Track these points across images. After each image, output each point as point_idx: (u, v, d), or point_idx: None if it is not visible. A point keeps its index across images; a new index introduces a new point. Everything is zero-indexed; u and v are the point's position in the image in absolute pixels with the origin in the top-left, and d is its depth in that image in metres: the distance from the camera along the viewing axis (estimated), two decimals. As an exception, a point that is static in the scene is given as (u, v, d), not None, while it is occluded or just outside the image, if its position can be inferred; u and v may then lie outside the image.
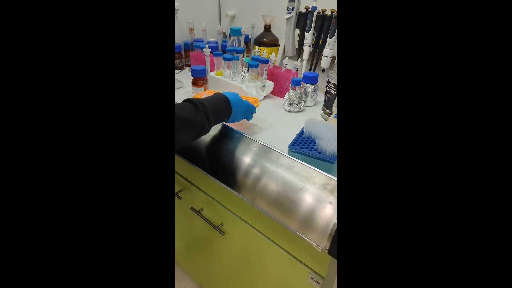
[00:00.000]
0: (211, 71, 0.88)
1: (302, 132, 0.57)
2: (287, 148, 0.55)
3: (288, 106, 0.76)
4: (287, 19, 0.88)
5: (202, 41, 1.06)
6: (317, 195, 0.46)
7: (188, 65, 1.07)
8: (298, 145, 0.55)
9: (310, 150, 0.53)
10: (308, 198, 0.47)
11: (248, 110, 0.62)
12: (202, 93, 0.82)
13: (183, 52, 1.06)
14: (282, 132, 0.67)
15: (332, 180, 0.46)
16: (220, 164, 0.58)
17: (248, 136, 0.58)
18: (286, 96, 0.77)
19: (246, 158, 0.55)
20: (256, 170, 0.53)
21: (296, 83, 0.73)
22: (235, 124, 0.69)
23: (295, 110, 0.76)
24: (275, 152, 0.54)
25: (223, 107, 0.53)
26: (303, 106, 0.77)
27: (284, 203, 0.48)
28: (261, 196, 0.50)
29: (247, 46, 1.05)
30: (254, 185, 0.52)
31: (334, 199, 0.45)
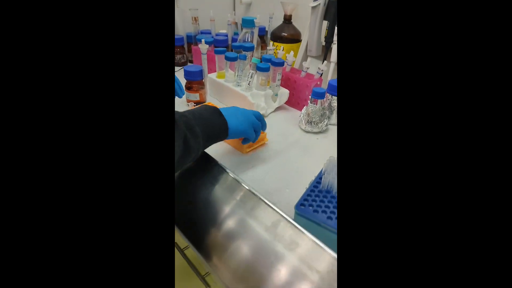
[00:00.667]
0: (211, 73, 0.71)
1: (319, 177, 0.38)
2: (293, 197, 0.37)
3: (306, 124, 0.57)
4: (313, 8, 0.68)
5: (210, 33, 0.89)
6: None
7: (192, 62, 0.90)
8: (310, 206, 0.35)
9: (329, 218, 0.34)
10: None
11: (250, 128, 0.44)
12: (195, 103, 0.65)
13: (186, 46, 0.89)
14: (294, 162, 0.48)
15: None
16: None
17: (237, 179, 0.40)
18: (303, 110, 0.58)
19: (226, 223, 0.37)
20: (236, 245, 0.34)
21: (318, 95, 0.54)
22: (233, 141, 0.51)
23: (315, 130, 0.57)
24: (272, 211, 0.36)
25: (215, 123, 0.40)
26: (326, 125, 0.57)
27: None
28: None
29: (262, 40, 0.87)
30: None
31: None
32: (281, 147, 0.53)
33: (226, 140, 0.52)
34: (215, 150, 0.50)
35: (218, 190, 0.39)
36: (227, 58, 0.62)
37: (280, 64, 0.60)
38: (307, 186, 0.38)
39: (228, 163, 0.47)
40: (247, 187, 0.38)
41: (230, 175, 0.40)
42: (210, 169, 0.42)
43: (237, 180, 0.39)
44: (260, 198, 0.36)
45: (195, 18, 0.82)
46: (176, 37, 0.85)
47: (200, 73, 0.63)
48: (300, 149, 0.52)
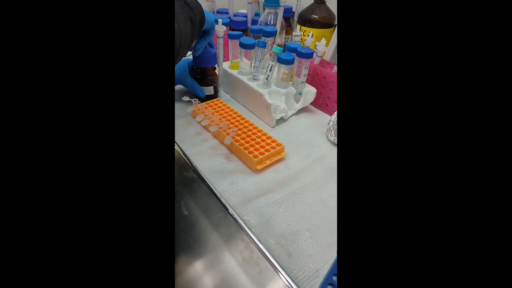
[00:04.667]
0: (226, 61, 0.59)
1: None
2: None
3: (336, 136, 0.45)
4: (355, -16, 0.53)
5: (227, 13, 0.77)
6: None
7: (205, 46, 0.79)
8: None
9: None
10: None
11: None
12: (206, 107, 0.54)
13: (198, 27, 0.77)
14: (319, 189, 0.37)
15: None
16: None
17: (240, 223, 0.29)
18: (333, 117, 0.46)
19: None
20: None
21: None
22: (243, 156, 0.41)
23: (347, 143, 0.44)
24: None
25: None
26: (362, 137, 0.45)
27: None
28: None
29: (287, 23, 0.73)
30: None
31: None
32: (303, 165, 0.41)
33: (235, 153, 0.42)
34: (224, 166, 0.40)
35: (214, 240, 0.28)
36: (242, 45, 0.50)
37: (308, 55, 0.47)
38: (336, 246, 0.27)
39: (235, 186, 0.36)
40: (253, 237, 0.27)
41: (231, 214, 0.29)
42: (210, 206, 0.31)
43: (239, 225, 0.28)
44: (272, 264, 0.25)
45: (210, -6, 0.70)
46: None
47: (213, 58, 0.51)
48: (327, 170, 0.40)
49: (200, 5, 0.41)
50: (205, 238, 0.27)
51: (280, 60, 0.47)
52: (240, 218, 0.29)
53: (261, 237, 0.29)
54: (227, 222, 0.29)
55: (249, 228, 0.28)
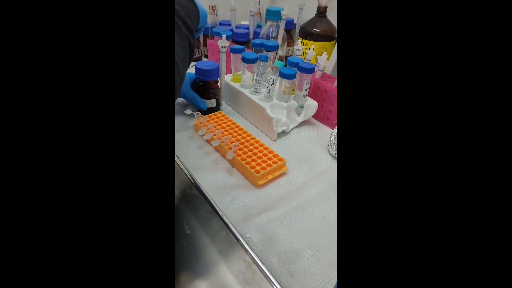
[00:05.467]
0: (228, 73, 0.60)
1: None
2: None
3: (337, 150, 0.45)
4: (355, -1, 0.54)
5: (229, 24, 0.78)
6: None
7: (207, 57, 0.80)
8: None
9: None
10: None
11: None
12: (208, 121, 0.55)
13: (201, 39, 0.78)
14: (320, 205, 0.37)
15: None
16: None
17: (242, 242, 0.29)
18: (335, 130, 0.46)
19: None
20: None
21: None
22: (245, 171, 0.41)
23: (348, 158, 0.45)
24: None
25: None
26: (363, 152, 0.45)
27: None
28: None
29: (289, 35, 0.74)
30: None
31: None
32: (304, 180, 0.41)
33: (237, 167, 0.42)
34: (226, 181, 0.40)
35: (217, 259, 0.28)
36: (244, 60, 0.51)
37: (310, 70, 0.48)
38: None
39: (237, 202, 0.36)
40: (255, 258, 0.27)
41: (233, 233, 0.29)
42: (212, 225, 0.32)
43: (241, 244, 0.28)
44: (273, 286, 0.25)
45: (212, 7, 0.71)
46: (190, 28, 0.74)
47: (215, 72, 0.52)
48: (328, 185, 0.41)
49: (193, 5, 0.35)
50: (208, 258, 0.27)
51: (282, 75, 0.47)
52: (242, 236, 0.29)
53: (262, 256, 0.29)
54: (230, 242, 0.29)
55: (250, 248, 0.28)
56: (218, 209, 0.34)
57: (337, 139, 0.45)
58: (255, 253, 0.28)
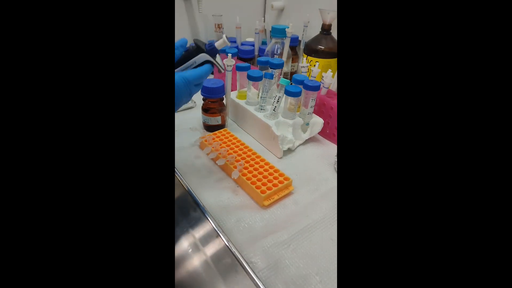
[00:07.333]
0: (234, 90, 0.60)
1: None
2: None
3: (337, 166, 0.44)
4: (360, 17, 0.55)
5: (235, 41, 0.79)
6: None
7: (212, 74, 0.80)
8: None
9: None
10: None
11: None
12: (213, 138, 0.54)
13: (207, 55, 0.79)
14: (328, 226, 0.35)
15: None
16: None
17: (246, 268, 0.28)
18: (342, 149, 0.45)
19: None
20: None
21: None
22: (251, 191, 0.40)
23: (356, 177, 0.44)
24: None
25: None
26: (371, 171, 0.44)
27: None
28: None
29: (293, 52, 0.75)
30: None
31: None
32: (311, 200, 0.40)
33: (242, 187, 0.41)
34: (231, 201, 0.39)
35: (216, 285, 0.27)
36: (250, 78, 0.51)
37: (315, 88, 0.47)
38: None
39: (242, 223, 0.35)
40: (259, 284, 0.26)
41: (239, 261, 0.28)
42: (217, 251, 0.31)
43: (247, 273, 0.27)
44: None
45: (218, 25, 0.72)
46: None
47: (221, 89, 0.52)
48: (335, 205, 0.40)
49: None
50: (212, 287, 0.26)
51: (287, 93, 0.47)
52: (248, 262, 0.28)
53: (269, 282, 0.28)
54: (235, 269, 0.28)
55: (256, 275, 0.27)
56: (222, 236, 0.33)
57: (337, 154, 0.44)
58: (261, 280, 0.27)
